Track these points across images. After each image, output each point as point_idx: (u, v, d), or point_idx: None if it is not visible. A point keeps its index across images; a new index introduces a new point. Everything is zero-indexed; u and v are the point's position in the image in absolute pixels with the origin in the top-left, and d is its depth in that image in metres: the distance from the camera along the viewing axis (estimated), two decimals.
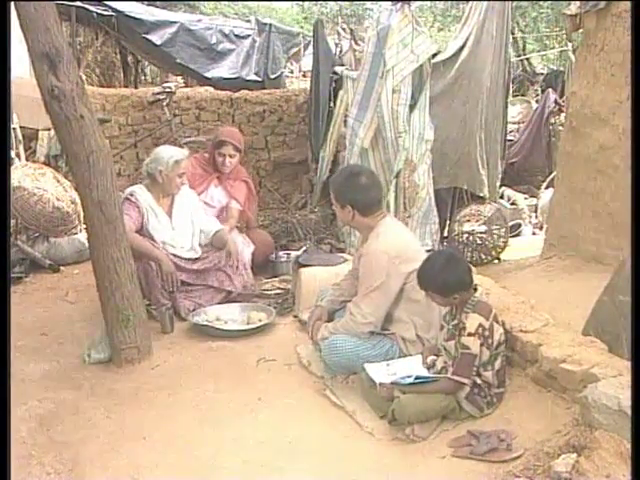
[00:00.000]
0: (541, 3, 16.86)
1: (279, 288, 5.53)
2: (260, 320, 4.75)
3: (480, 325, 3.29)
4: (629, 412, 2.58)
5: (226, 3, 23.65)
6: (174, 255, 5.07)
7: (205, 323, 4.71)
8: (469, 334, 3.28)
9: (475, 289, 3.44)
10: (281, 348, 4.42)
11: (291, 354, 4.31)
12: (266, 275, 5.90)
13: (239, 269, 5.30)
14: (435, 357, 3.55)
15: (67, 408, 3.68)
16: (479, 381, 3.32)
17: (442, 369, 3.46)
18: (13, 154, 7.24)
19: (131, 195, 5.05)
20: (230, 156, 5.72)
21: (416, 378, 3.36)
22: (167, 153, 5.12)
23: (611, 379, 2.88)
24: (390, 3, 5.83)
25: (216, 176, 5.80)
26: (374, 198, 3.92)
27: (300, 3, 29.00)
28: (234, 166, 5.82)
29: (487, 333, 3.30)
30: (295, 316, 4.93)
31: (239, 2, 22.34)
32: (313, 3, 27.88)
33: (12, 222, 6.19)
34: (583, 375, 3.04)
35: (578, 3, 5.36)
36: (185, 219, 5.23)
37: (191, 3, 20.51)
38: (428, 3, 21.28)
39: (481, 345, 3.28)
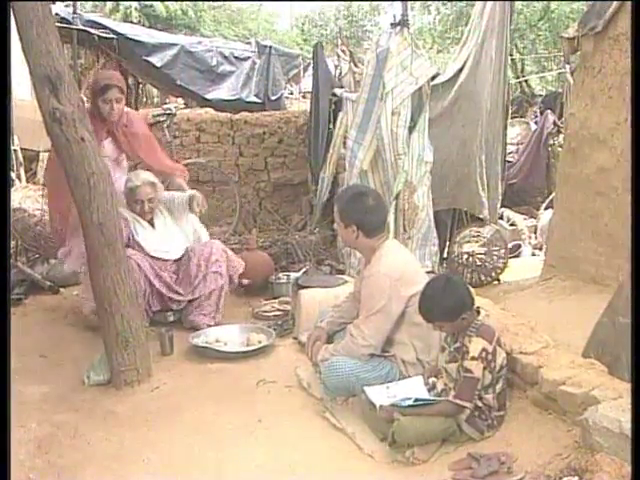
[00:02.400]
0: (539, 25, 17.00)
1: (279, 310, 5.52)
2: (260, 342, 4.73)
3: (484, 349, 3.28)
4: (630, 435, 2.57)
5: (226, 25, 23.87)
6: (161, 260, 5.12)
7: (204, 345, 4.70)
8: (472, 358, 3.27)
9: (478, 312, 3.43)
10: (281, 370, 4.40)
11: (291, 376, 4.29)
12: (266, 296, 5.90)
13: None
14: (436, 379, 3.54)
15: (66, 431, 3.66)
16: (480, 404, 3.31)
17: (442, 391, 3.45)
18: (14, 176, 7.27)
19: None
20: (117, 100, 5.05)
21: (416, 400, 3.35)
22: (127, 178, 5.12)
23: (612, 401, 2.88)
24: (389, 26, 5.88)
25: (106, 130, 5.15)
26: (380, 220, 3.92)
27: (300, 25, 29.24)
28: (122, 112, 5.17)
29: (490, 357, 3.29)
30: (295, 338, 4.91)
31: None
32: (312, 25, 28.11)
33: (12, 243, 6.20)
34: (583, 397, 3.04)
35: (576, 26, 5.42)
36: (167, 224, 5.25)
37: (191, 25, 20.72)
38: (428, 25, 21.45)
39: (484, 369, 3.27)
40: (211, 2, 23.63)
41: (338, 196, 4.21)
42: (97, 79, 5.18)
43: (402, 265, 3.83)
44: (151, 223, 5.19)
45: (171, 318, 5.18)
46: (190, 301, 5.14)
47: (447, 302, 3.36)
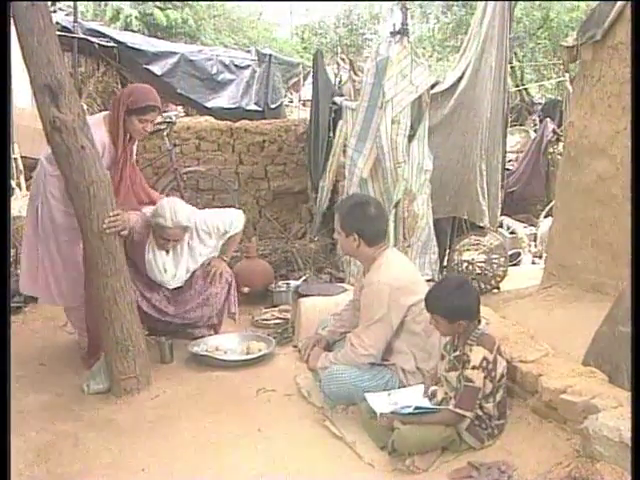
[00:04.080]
0: (539, 34, 17.03)
1: (279, 318, 5.53)
2: (260, 350, 4.73)
3: (484, 358, 3.28)
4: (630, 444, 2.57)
5: (227, 33, 23.92)
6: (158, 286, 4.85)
7: (204, 353, 4.70)
8: (473, 367, 3.27)
9: (479, 321, 3.44)
10: (281, 378, 4.41)
11: (291, 384, 4.29)
12: (266, 305, 5.90)
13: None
14: (436, 388, 3.54)
15: (65, 439, 3.66)
16: (480, 413, 3.31)
17: (443, 400, 3.45)
18: (14, 184, 7.27)
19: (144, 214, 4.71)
20: (152, 123, 4.70)
21: (416, 408, 3.35)
22: (160, 208, 4.63)
23: (612, 410, 2.88)
24: (389, 35, 5.89)
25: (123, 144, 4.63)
26: (380, 229, 3.93)
27: (300, 33, 29.29)
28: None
29: (491, 366, 3.30)
30: (295, 346, 4.91)
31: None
32: (312, 33, 28.15)
33: (12, 252, 6.19)
34: (584, 406, 3.04)
35: (575, 35, 5.43)
36: (182, 250, 4.83)
37: (192, 34, 20.75)
38: (427, 33, 21.50)
39: (484, 378, 3.27)
40: (212, 11, 23.68)
41: (339, 205, 4.21)
42: (139, 96, 4.60)
43: (402, 274, 3.83)
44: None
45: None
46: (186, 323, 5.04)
47: (453, 301, 3.38)
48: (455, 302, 3.38)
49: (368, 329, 3.78)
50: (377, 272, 3.81)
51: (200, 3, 22.12)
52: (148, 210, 4.74)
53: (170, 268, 4.83)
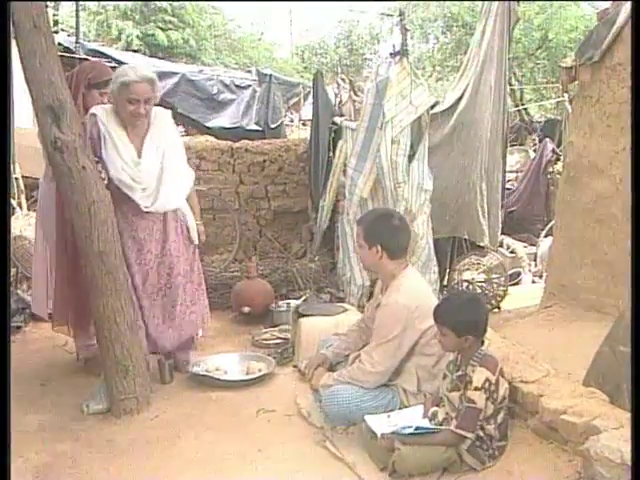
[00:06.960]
0: (537, 54, 17.14)
1: (279, 338, 5.51)
2: (260, 370, 4.72)
3: (487, 379, 3.27)
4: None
5: (227, 53, 24.05)
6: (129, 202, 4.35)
7: (204, 373, 4.69)
8: (475, 388, 3.26)
9: (482, 342, 3.43)
10: (281, 398, 4.39)
11: (291, 404, 4.27)
12: (266, 324, 5.89)
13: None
14: (437, 408, 3.53)
15: (64, 460, 3.64)
16: (481, 434, 3.29)
17: (444, 420, 3.43)
18: (15, 203, 7.29)
19: (92, 115, 4.30)
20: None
21: (416, 428, 3.34)
22: (119, 72, 4.29)
23: (613, 431, 2.87)
24: (389, 55, 5.93)
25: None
26: (404, 241, 3.92)
27: (300, 53, 29.47)
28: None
29: (493, 388, 3.29)
30: (295, 366, 4.90)
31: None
32: (312, 53, 28.34)
33: (13, 271, 6.20)
34: (584, 427, 3.03)
35: (573, 55, 5.47)
36: (155, 161, 4.38)
37: (192, 54, 20.87)
38: (427, 53, 21.62)
39: (486, 399, 3.26)
40: (213, 31, 23.83)
41: (362, 217, 4.18)
42: (101, 70, 4.65)
43: (420, 297, 3.80)
44: (139, 149, 4.36)
45: None
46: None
47: (464, 314, 3.39)
48: (465, 316, 3.38)
49: (379, 347, 3.76)
50: (396, 293, 3.78)
51: (202, 23, 22.26)
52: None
53: (143, 170, 4.34)
